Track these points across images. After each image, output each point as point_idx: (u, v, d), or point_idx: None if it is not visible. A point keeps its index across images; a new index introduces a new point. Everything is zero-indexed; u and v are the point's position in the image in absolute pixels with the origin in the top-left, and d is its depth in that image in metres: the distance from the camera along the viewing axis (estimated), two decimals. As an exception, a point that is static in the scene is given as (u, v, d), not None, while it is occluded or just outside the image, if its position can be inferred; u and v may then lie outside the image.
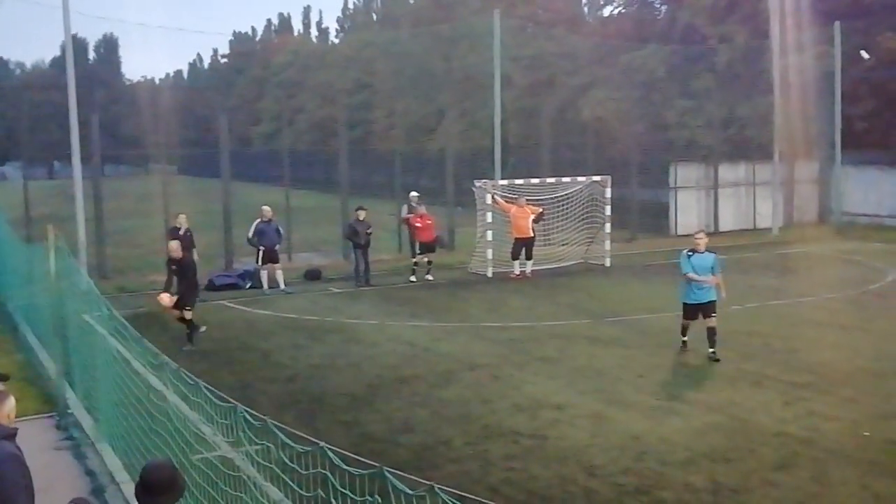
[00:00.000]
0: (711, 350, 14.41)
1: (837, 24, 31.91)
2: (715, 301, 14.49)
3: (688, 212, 32.95)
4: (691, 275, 14.41)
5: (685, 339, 14.98)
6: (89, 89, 57.00)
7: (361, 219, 22.51)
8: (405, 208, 24.45)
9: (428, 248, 23.45)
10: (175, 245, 16.18)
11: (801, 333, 16.26)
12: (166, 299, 15.94)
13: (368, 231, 22.53)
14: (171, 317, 16.26)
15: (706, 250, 14.58)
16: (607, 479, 9.46)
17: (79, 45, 66.36)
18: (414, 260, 23.46)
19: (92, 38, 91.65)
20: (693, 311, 14.68)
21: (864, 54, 31.97)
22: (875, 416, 11.24)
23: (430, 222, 23.57)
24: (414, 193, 24.25)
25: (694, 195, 33.27)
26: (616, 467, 9.76)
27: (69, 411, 11.57)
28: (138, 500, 5.05)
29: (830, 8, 32.45)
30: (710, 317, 14.46)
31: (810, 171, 35.57)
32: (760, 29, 34.94)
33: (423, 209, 23.58)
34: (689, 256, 14.49)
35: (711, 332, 14.44)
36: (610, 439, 10.66)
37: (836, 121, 32.57)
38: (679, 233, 32.18)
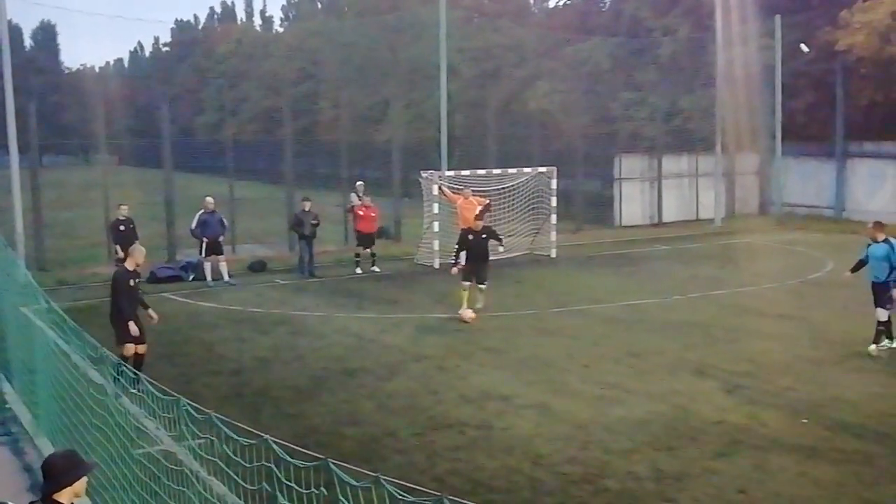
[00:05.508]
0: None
1: (778, 17, 32.43)
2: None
3: (632, 203, 33.31)
4: None
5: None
6: (26, 77, 55.70)
7: (307, 209, 22.38)
8: (353, 196, 24.33)
9: (366, 239, 23.31)
10: None
11: (742, 323, 16.53)
12: None
13: (314, 222, 22.38)
14: None
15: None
16: (552, 468, 9.52)
17: (14, 31, 64.58)
18: (356, 251, 23.36)
19: (28, 24, 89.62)
20: None
21: (804, 48, 32.51)
22: (813, 404, 11.46)
23: (373, 215, 23.47)
24: (360, 183, 24.15)
25: (638, 186, 33.63)
26: (561, 457, 9.83)
27: (7, 406, 11.34)
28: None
29: (772, 2, 32.95)
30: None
31: (751, 163, 36.28)
32: (703, 22, 35.42)
33: (368, 199, 23.47)
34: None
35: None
36: (555, 429, 10.73)
37: (777, 113, 33.12)
38: (623, 224, 32.55)
